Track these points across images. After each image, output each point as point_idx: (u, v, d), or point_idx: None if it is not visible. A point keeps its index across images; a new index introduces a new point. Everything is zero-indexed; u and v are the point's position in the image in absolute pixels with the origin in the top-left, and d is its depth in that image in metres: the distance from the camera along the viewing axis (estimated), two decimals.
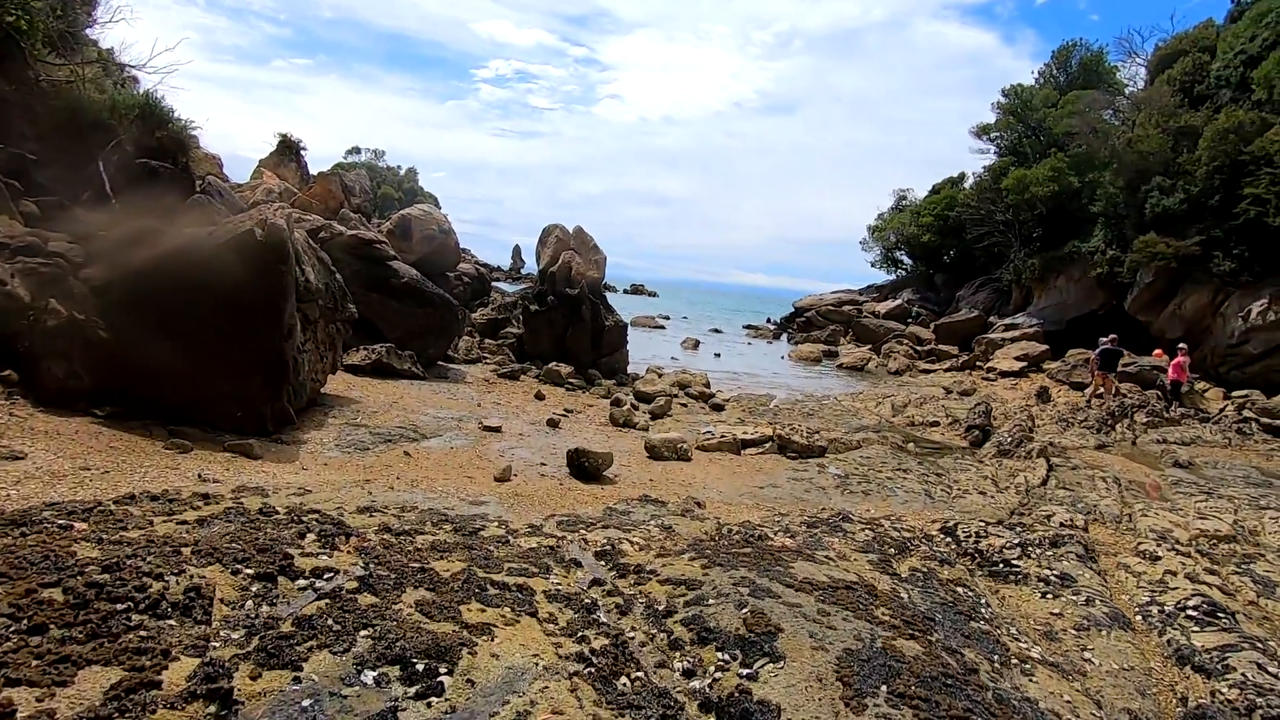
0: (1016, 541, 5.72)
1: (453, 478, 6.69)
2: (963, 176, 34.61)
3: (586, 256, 15.99)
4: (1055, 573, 5.33)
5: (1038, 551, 5.65)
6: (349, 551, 3.84)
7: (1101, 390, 16.63)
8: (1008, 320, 30.04)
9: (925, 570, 4.91)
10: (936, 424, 14.14)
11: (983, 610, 4.41)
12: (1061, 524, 7.05)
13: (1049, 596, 4.92)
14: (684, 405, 13.67)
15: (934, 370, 25.70)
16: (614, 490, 7.03)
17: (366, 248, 12.74)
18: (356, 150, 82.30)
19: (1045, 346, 26.70)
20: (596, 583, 4.07)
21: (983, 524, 6.50)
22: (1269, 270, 23.42)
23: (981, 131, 32.10)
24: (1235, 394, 22.08)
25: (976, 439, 12.80)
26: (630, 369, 16.72)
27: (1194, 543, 6.91)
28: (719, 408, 13.99)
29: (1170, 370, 17.06)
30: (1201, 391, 20.47)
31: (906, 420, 14.53)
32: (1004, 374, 25.41)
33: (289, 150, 21.72)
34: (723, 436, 9.70)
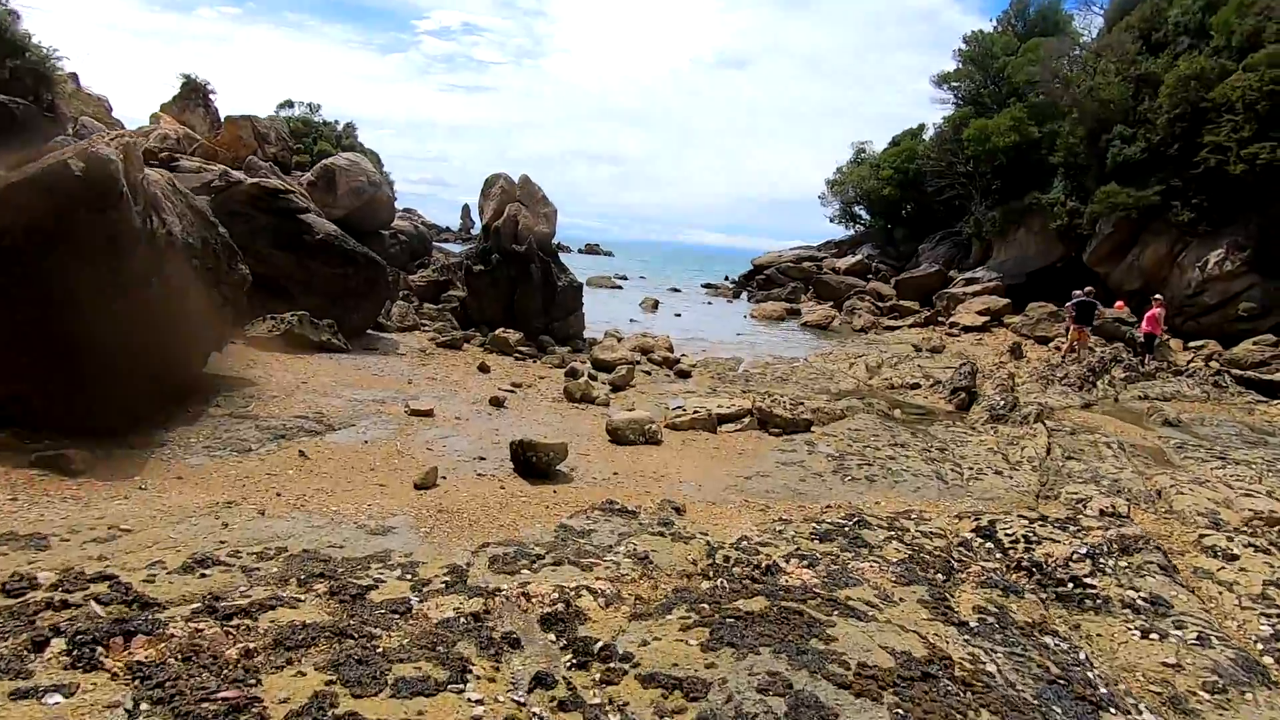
0: (1084, 551, 4.44)
1: (357, 487, 5.06)
2: (922, 128, 33.45)
3: (534, 209, 14.16)
4: (1142, 594, 4.07)
5: (1110, 563, 4.39)
6: (116, 671, 2.23)
7: (1077, 345, 15.77)
8: (968, 274, 29.30)
9: (995, 610, 3.57)
10: (917, 386, 13.00)
11: (1092, 675, 3.10)
12: (1103, 512, 5.85)
13: (1150, 636, 3.65)
14: (647, 373, 12.17)
15: (898, 327, 24.78)
16: (570, 493, 5.51)
17: (273, 199, 10.70)
18: (289, 104, 76.48)
19: (1007, 300, 26.02)
20: (541, 683, 2.57)
21: (1022, 520, 5.23)
22: (1226, 220, 22.96)
23: (942, 80, 30.81)
24: (1192, 344, 21.72)
25: (962, 402, 11.68)
26: (587, 333, 15.09)
27: (1253, 528, 5.79)
28: (685, 374, 12.54)
29: (1144, 322, 16.30)
30: (1164, 342, 19.85)
31: (885, 383, 13.35)
32: (967, 329, 24.66)
33: (195, 94, 18.93)
34: (695, 412, 8.24)
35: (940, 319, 26.65)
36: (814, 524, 4.89)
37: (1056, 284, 28.02)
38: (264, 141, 16.47)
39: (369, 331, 12.01)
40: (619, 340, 15.65)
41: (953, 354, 17.97)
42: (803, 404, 8.79)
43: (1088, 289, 16.21)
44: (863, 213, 36.40)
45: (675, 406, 9.07)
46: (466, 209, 68.49)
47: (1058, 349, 18.25)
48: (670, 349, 14.86)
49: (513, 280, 13.42)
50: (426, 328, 13.39)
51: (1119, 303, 23.65)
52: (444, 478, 5.51)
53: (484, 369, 10.44)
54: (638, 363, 12.46)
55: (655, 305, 25.74)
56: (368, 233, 16.90)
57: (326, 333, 10.16)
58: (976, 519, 5.39)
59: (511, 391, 9.31)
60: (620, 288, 33.32)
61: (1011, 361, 16.91)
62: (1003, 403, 10.57)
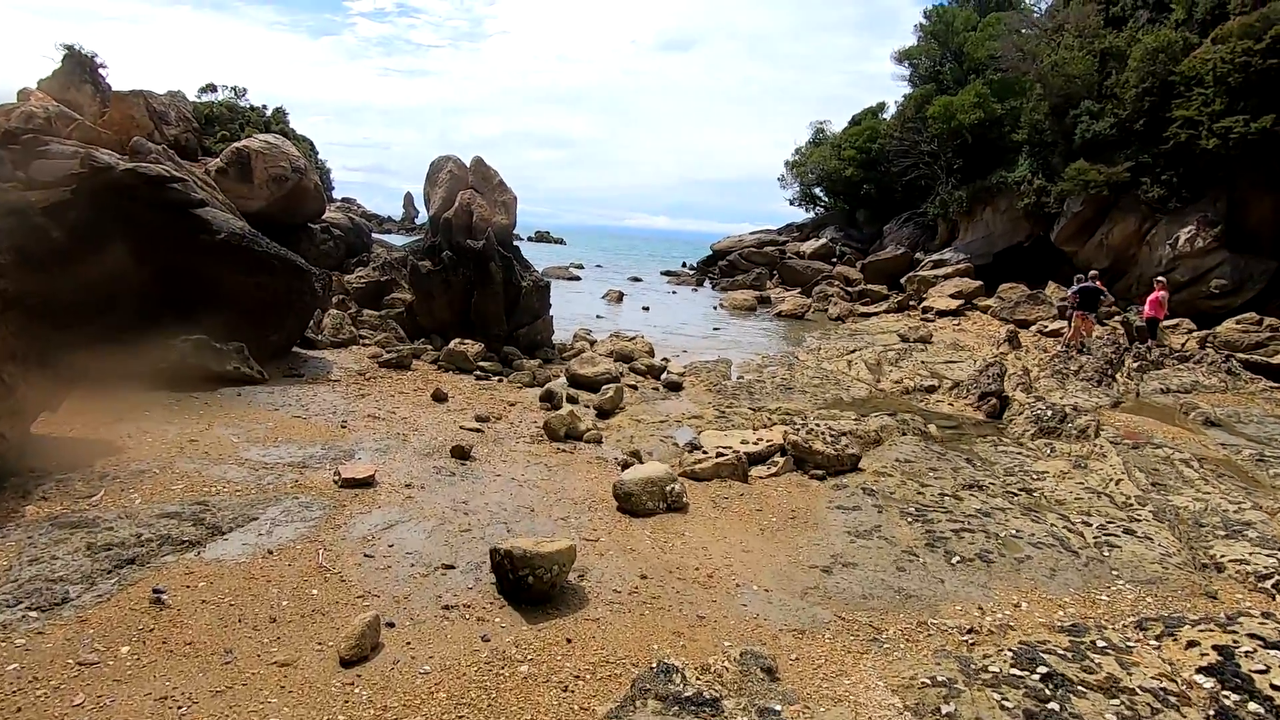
0: None
1: (241, 677, 2.94)
2: (882, 106, 32.08)
3: (491, 196, 11.88)
4: None
5: None
6: None
7: (1083, 334, 14.47)
8: (935, 256, 28.19)
9: None
10: (933, 389, 11.37)
11: None
12: None
13: None
14: (634, 387, 10.16)
15: (873, 313, 23.39)
16: (591, 639, 3.50)
17: (157, 189, 8.19)
18: (212, 88, 70.31)
19: (979, 282, 24.96)
20: None
21: (1228, 630, 3.51)
22: (1197, 195, 22.24)
23: (903, 56, 29.40)
24: (1166, 323, 20.93)
25: (993, 409, 10.10)
26: (555, 335, 12.96)
27: None
28: (676, 387, 10.57)
29: (1147, 306, 15.15)
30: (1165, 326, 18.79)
31: (896, 386, 11.68)
32: (941, 313, 23.46)
33: (81, 69, 15.72)
34: (720, 455, 6.29)
35: (911, 304, 25.45)
36: (975, 675, 3.03)
37: (1024, 264, 27.17)
38: (162, 122, 13.60)
39: (295, 350, 9.62)
40: (591, 344, 13.57)
41: (946, 345, 16.54)
42: (844, 434, 6.94)
43: (1092, 273, 14.91)
44: (822, 194, 34.94)
45: (687, 443, 7.10)
46: (409, 197, 64.69)
47: (1056, 338, 17.06)
48: (651, 353, 12.87)
49: (469, 281, 11.15)
50: (367, 341, 11.02)
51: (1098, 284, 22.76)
52: (390, 624, 3.42)
53: (439, 398, 8.23)
54: (621, 375, 10.42)
55: (620, 297, 23.66)
56: (294, 226, 14.28)
57: (234, 360, 7.77)
58: (1170, 630, 3.64)
59: (478, 430, 7.16)
60: (579, 279, 31.07)
61: (1011, 352, 15.55)
62: (1050, 412, 9.00)
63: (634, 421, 8.17)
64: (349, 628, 3.20)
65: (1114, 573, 4.63)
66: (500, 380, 9.77)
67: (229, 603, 3.49)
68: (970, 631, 3.69)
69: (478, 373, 9.86)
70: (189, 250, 8.29)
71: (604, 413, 8.54)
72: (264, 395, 7.41)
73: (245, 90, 46.19)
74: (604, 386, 9.05)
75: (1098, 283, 14.50)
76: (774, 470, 6.43)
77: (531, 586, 3.71)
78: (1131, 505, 5.95)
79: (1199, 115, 21.20)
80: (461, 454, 6.22)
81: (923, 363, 13.47)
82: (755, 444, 6.77)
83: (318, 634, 3.31)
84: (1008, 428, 9.29)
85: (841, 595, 4.15)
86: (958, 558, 4.71)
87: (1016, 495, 6.13)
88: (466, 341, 10.69)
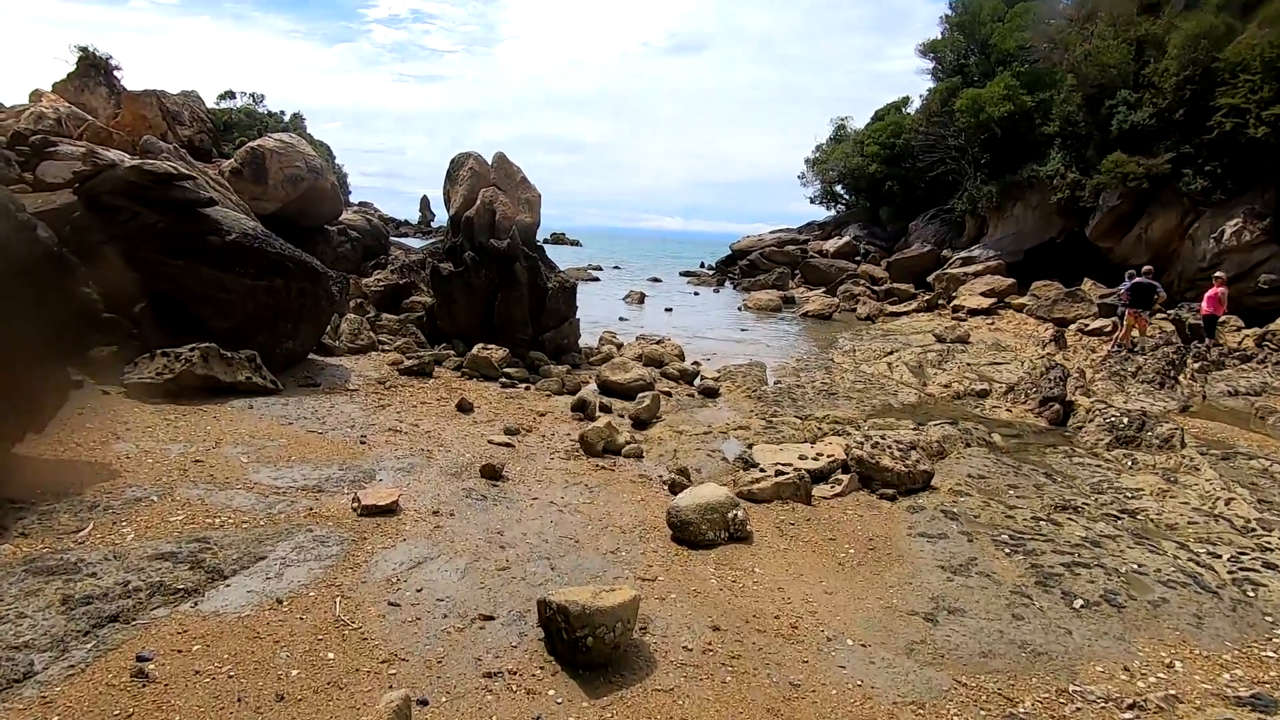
0: None
1: None
2: (906, 101, 31.14)
3: (514, 194, 11.26)
4: None
5: None
6: None
7: (1137, 333, 13.60)
8: (964, 254, 27.25)
9: None
10: (984, 393, 10.59)
11: None
12: None
13: None
14: (667, 394, 9.47)
15: (904, 313, 22.53)
16: (663, 715, 2.83)
17: (164, 188, 7.63)
18: (231, 94, 70.39)
19: (1012, 280, 24.02)
20: None
21: None
22: (1243, 187, 21.20)
23: (928, 49, 28.48)
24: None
25: (1056, 415, 9.31)
26: (580, 339, 12.31)
27: None
28: (713, 393, 9.88)
29: (1204, 303, 14.22)
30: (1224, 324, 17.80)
31: (945, 391, 10.90)
32: (973, 312, 22.57)
33: (94, 71, 15.35)
34: (779, 473, 5.59)
35: (940, 302, 24.57)
36: None
37: (1056, 261, 26.14)
38: (175, 122, 13.13)
39: (311, 357, 9.04)
40: (619, 347, 12.91)
41: (987, 345, 15.70)
42: (914, 449, 6.21)
43: (1145, 268, 14.00)
44: (844, 192, 34.05)
45: (737, 458, 6.41)
46: (425, 200, 64.49)
47: (1099, 337, 16.17)
48: (681, 357, 12.19)
49: (492, 283, 10.52)
50: (386, 346, 10.44)
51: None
52: (423, 702, 2.77)
53: (464, 408, 7.60)
54: (654, 381, 9.74)
55: (641, 299, 22.98)
56: (310, 229, 13.76)
57: (245, 369, 7.18)
58: None
59: (508, 445, 6.51)
60: (598, 279, 30.43)
61: (1058, 353, 14.69)
62: (1126, 420, 8.20)
63: (674, 433, 7.49)
64: (373, 713, 2.54)
65: (1268, 618, 3.88)
66: (527, 388, 9.12)
67: (227, 673, 2.85)
68: (1132, 707, 2.97)
69: (503, 380, 9.23)
70: (198, 252, 7.72)
71: (640, 423, 7.86)
72: (278, 407, 6.81)
73: (263, 97, 45.85)
74: (639, 395, 8.36)
75: (1151, 278, 13.61)
76: (838, 490, 5.72)
77: (591, 649, 3.04)
78: (1255, 530, 5.18)
79: (1245, 103, 20.18)
80: (493, 474, 5.57)
81: (967, 365, 12.66)
82: (815, 459, 6.06)
83: (336, 706, 2.66)
84: (1076, 437, 8.51)
85: (955, 653, 3.44)
86: (1080, 600, 3.98)
87: (1119, 519, 5.37)
88: (490, 347, 10.07)
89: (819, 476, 5.89)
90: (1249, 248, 20.82)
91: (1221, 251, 21.24)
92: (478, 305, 10.69)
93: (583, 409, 7.93)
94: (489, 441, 6.52)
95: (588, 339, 12.96)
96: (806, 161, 34.22)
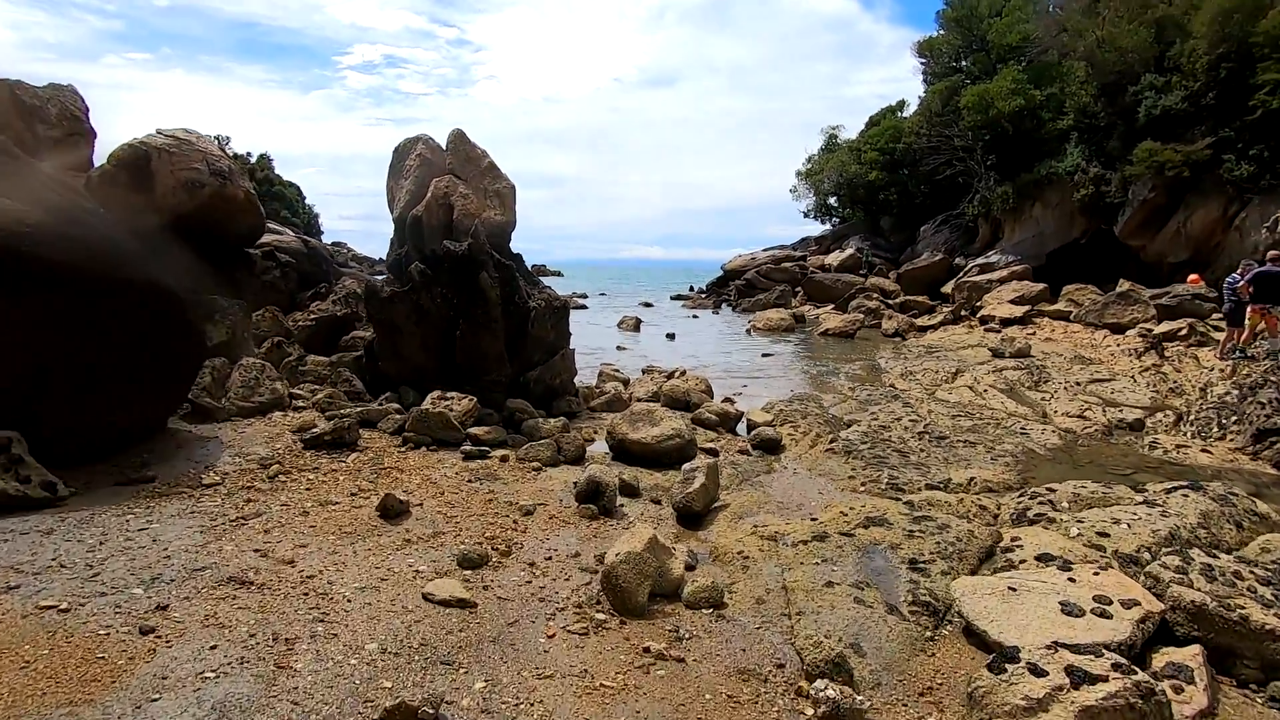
0: None
1: None
2: (903, 104, 28.69)
3: (478, 184, 8.06)
4: None
5: None
6: None
7: (1265, 332, 10.63)
8: (980, 260, 24.51)
9: None
10: (1137, 424, 7.47)
11: None
12: None
13: None
14: (711, 451, 6.24)
15: (931, 326, 19.57)
16: None
17: None
18: None
19: (1043, 285, 21.20)
20: None
21: None
22: None
23: (923, 49, 26.10)
24: None
25: None
26: (577, 377, 9.08)
27: None
28: (774, 446, 6.62)
29: None
30: None
31: (1078, 421, 7.75)
32: (1006, 321, 19.64)
33: None
34: (1072, 678, 2.37)
35: (964, 313, 21.70)
36: None
37: (1081, 263, 23.50)
38: (35, 119, 9.88)
39: (173, 426, 5.69)
40: (625, 384, 9.65)
41: (1066, 359, 12.67)
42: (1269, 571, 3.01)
43: (1273, 254, 11.08)
44: (839, 205, 31.39)
45: (916, 602, 3.15)
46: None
47: (1183, 343, 13.24)
48: (709, 392, 8.96)
49: (450, 304, 7.26)
50: (303, 401, 7.09)
51: (1193, 276, 19.06)
52: None
53: (392, 511, 4.27)
54: (692, 438, 6.45)
55: (637, 324, 19.78)
56: (223, 251, 10.42)
57: (27, 475, 3.84)
58: None
59: (462, 603, 3.20)
60: (585, 307, 27.23)
61: (1161, 363, 11.69)
62: None
63: (756, 538, 4.19)
64: None
65: None
66: (505, 458, 5.79)
67: None
68: None
69: (469, 446, 5.90)
70: None
71: (691, 516, 4.58)
72: (23, 544, 3.45)
73: (229, 139, 42.24)
74: (680, 464, 5.06)
75: None
76: (1196, 704, 2.47)
77: None
78: None
79: None
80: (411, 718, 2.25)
81: (1076, 385, 9.58)
82: (1097, 613, 2.83)
83: None
84: None
85: None
86: None
87: None
88: (450, 395, 6.77)
89: (1131, 656, 2.64)
90: None
91: (1277, 242, 18.50)
92: (432, 337, 7.39)
93: (595, 497, 4.62)
94: (425, 597, 3.19)
95: (585, 376, 9.72)
96: (798, 174, 31.60)
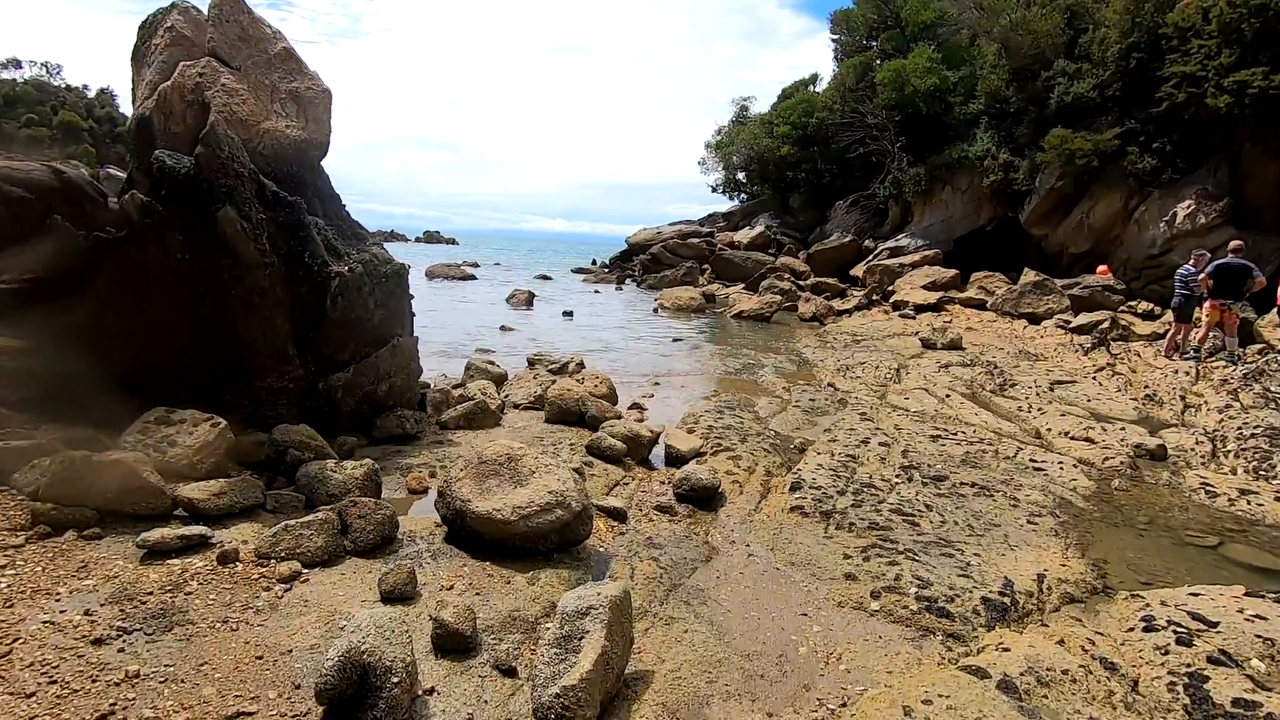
0: None
1: None
2: (815, 78, 27.12)
3: (260, 77, 5.02)
4: None
5: None
6: None
7: (1221, 329, 9.53)
8: (890, 244, 23.51)
9: None
10: (1159, 452, 5.77)
11: None
12: None
13: None
14: (616, 514, 3.79)
15: (846, 310, 18.09)
16: None
17: None
18: (15, 63, 55.42)
19: (954, 271, 20.34)
20: None
21: None
22: (1194, 165, 18.53)
23: (839, 21, 24.50)
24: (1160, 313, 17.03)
25: None
26: (429, 372, 6.31)
27: None
28: (708, 498, 4.25)
29: None
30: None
31: (1089, 447, 5.96)
32: (919, 308, 18.56)
33: None
34: None
35: (875, 297, 20.54)
36: None
37: (986, 250, 23.10)
38: None
39: None
40: (499, 384, 6.96)
41: (1010, 354, 11.25)
42: None
43: (1235, 244, 9.97)
44: (748, 180, 29.65)
45: None
46: None
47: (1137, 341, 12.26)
48: (612, 397, 6.48)
49: (194, 258, 4.30)
50: None
51: (1102, 267, 18.68)
52: None
53: None
54: (583, 471, 3.96)
55: (530, 299, 16.89)
56: None
57: None
58: None
59: None
60: (473, 278, 23.83)
61: (1115, 361, 10.43)
62: None
63: None
64: None
65: None
66: (230, 553, 3.03)
67: None
68: None
69: (171, 528, 3.08)
70: None
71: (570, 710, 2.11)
72: None
73: (61, 68, 34.31)
74: (571, 613, 2.52)
75: (1243, 257, 9.57)
76: None
77: None
78: None
79: (1202, 70, 17.38)
80: None
81: (1046, 389, 7.93)
82: None
83: None
84: None
85: None
86: None
87: None
88: (181, 416, 3.86)
89: None
90: (1204, 231, 17.97)
91: (1174, 236, 18.33)
92: (167, 313, 4.39)
93: (358, 701, 2.03)
94: None
95: (451, 365, 6.92)
96: (707, 146, 29.50)
